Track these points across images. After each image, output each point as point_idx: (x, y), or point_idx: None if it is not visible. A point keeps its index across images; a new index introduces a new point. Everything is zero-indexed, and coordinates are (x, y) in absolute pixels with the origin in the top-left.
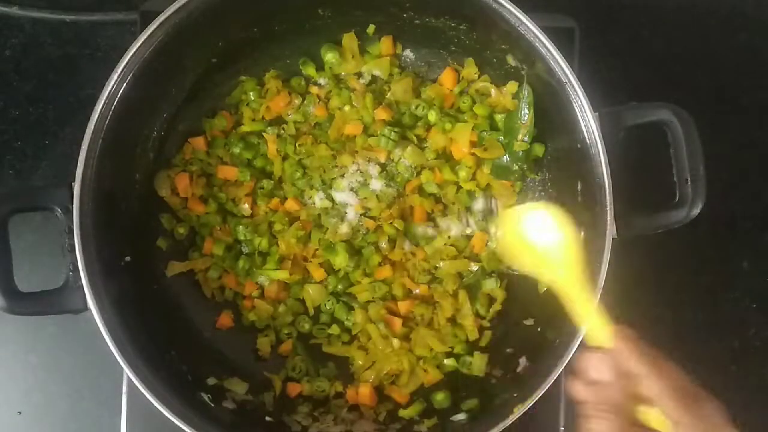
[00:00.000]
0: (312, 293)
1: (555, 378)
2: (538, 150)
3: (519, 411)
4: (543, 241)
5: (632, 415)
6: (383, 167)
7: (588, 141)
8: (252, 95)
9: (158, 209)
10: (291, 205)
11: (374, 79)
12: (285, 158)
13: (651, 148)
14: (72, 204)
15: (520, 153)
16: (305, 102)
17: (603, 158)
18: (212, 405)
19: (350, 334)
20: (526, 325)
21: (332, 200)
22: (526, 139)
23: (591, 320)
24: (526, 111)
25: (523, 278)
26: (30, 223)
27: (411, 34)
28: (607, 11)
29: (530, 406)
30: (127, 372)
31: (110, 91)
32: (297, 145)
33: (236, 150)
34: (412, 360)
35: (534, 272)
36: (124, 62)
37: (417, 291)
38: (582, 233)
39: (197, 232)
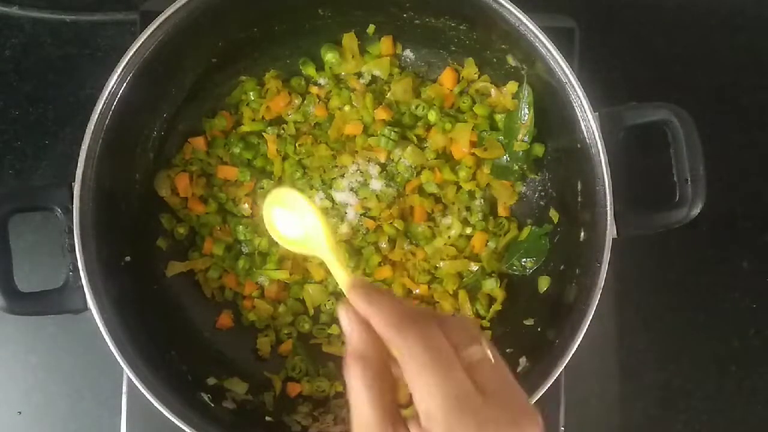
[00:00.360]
0: (312, 293)
1: (555, 378)
2: (538, 150)
3: None
4: (297, 219)
5: (379, 355)
6: (383, 167)
7: (588, 141)
8: (252, 95)
9: (158, 209)
10: None
11: (374, 79)
12: (285, 158)
13: (651, 148)
14: (72, 204)
15: (520, 153)
16: (305, 102)
17: (603, 158)
18: (212, 405)
19: None
20: (526, 325)
21: (332, 200)
22: (526, 139)
23: (340, 275)
24: (526, 111)
25: (523, 278)
26: (30, 223)
27: (411, 34)
28: (607, 11)
29: None
30: (127, 372)
31: (110, 91)
32: (297, 145)
33: (236, 150)
34: None
35: (299, 249)
36: (124, 62)
37: (417, 291)
38: (583, 233)
39: (197, 232)
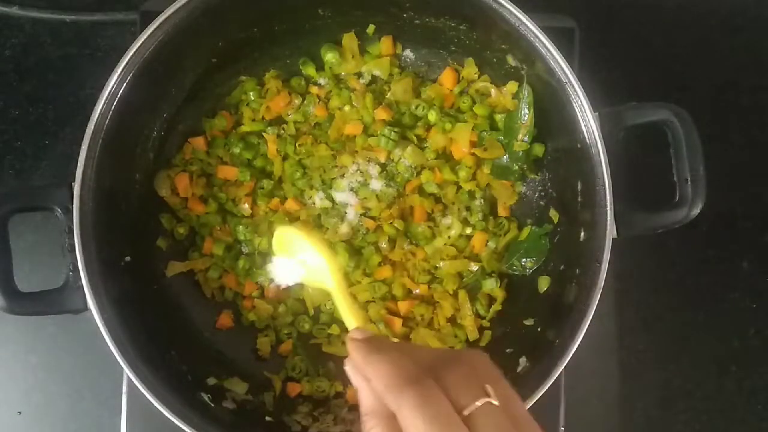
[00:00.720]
0: (312, 293)
1: (555, 378)
2: (538, 150)
3: None
4: (306, 256)
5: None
6: (383, 167)
7: (588, 141)
8: (252, 95)
9: (158, 209)
10: (291, 205)
11: (374, 79)
12: (285, 158)
13: (651, 148)
14: (72, 204)
15: (520, 153)
16: (305, 102)
17: (603, 158)
18: (212, 405)
19: None
20: (526, 325)
21: (332, 200)
22: (526, 139)
23: (346, 321)
24: (526, 111)
25: (523, 278)
26: (30, 223)
27: (411, 34)
28: (607, 11)
29: (530, 406)
30: (127, 372)
31: (110, 91)
32: (297, 145)
33: (236, 150)
34: None
35: (309, 282)
36: (124, 62)
37: (417, 291)
38: (583, 233)
39: (197, 232)
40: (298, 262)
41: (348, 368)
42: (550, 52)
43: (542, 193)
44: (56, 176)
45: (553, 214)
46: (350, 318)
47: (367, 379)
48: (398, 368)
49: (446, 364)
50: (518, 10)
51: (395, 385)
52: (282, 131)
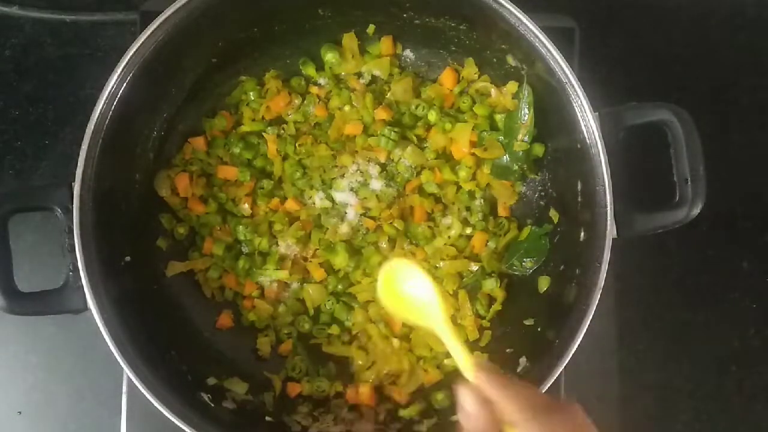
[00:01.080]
0: (312, 293)
1: (555, 378)
2: (538, 150)
3: None
4: (414, 292)
5: None
6: (383, 167)
7: (588, 141)
8: (252, 95)
9: (158, 209)
10: (291, 205)
11: (374, 79)
12: (285, 158)
13: (651, 148)
14: (72, 204)
15: (520, 153)
16: (305, 102)
17: (603, 158)
18: (212, 405)
19: (350, 334)
20: (526, 325)
21: (332, 200)
22: (526, 139)
23: (462, 358)
24: (526, 111)
25: (523, 278)
26: (30, 223)
27: (411, 34)
28: (607, 11)
29: None
30: (127, 372)
31: (110, 91)
32: (297, 145)
33: (236, 150)
34: (412, 360)
35: (411, 320)
36: (124, 62)
37: None
38: (583, 233)
39: (197, 232)
40: (404, 297)
41: (467, 394)
42: (550, 52)
43: (542, 193)
44: (56, 176)
45: (553, 214)
46: (465, 355)
47: (485, 404)
48: (529, 400)
49: (554, 407)
50: (518, 10)
51: (532, 410)
52: (282, 131)
